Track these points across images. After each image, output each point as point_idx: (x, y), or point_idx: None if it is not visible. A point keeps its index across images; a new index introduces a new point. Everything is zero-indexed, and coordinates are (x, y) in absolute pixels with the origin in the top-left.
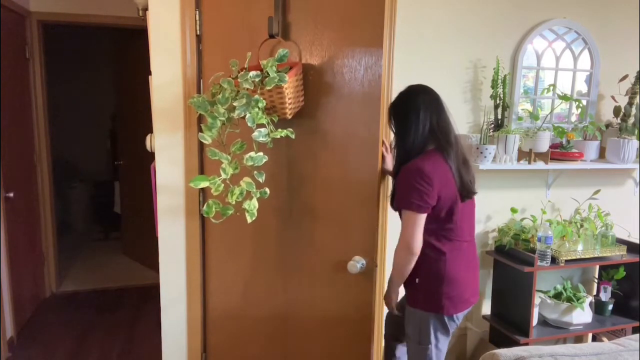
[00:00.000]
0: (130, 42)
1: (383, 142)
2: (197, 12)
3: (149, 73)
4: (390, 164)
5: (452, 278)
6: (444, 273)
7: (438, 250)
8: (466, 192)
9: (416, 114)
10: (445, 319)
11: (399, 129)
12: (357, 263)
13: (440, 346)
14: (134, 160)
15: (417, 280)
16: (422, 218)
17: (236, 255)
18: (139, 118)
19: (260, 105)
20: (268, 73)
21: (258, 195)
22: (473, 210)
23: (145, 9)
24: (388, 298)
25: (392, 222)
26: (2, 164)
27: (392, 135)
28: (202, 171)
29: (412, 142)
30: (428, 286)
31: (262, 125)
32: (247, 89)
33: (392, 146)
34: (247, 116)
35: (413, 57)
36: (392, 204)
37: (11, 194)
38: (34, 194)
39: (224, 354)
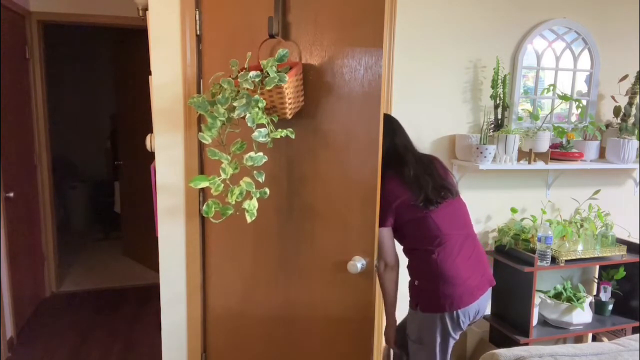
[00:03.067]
0: (130, 42)
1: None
2: (197, 12)
3: (149, 73)
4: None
5: (447, 275)
6: (438, 271)
7: (426, 250)
8: (432, 199)
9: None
10: (447, 317)
11: None
12: (357, 263)
13: (442, 347)
14: (134, 160)
15: (416, 282)
16: (386, 231)
17: (236, 255)
18: (139, 118)
19: (260, 105)
20: (268, 73)
21: (258, 195)
22: (459, 208)
23: (145, 9)
24: (387, 333)
25: None
26: (2, 164)
27: None
28: (202, 171)
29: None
30: (426, 286)
31: (262, 125)
32: (247, 89)
33: None
34: (247, 116)
35: (413, 58)
36: None
37: (11, 194)
38: (34, 194)
39: (224, 354)
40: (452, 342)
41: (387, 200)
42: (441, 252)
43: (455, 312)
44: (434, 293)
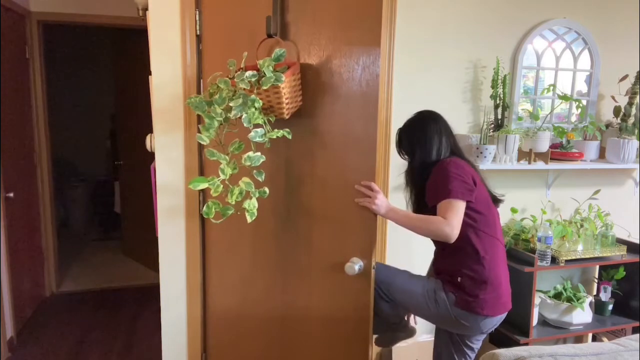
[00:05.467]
0: (130, 42)
1: (371, 186)
2: (197, 12)
3: (149, 73)
4: (383, 206)
5: (492, 278)
6: (485, 274)
7: (477, 249)
8: (497, 197)
9: (439, 134)
10: (476, 319)
11: (424, 146)
12: (354, 265)
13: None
14: (134, 160)
15: (459, 279)
16: (463, 206)
17: (235, 255)
18: (139, 118)
19: (256, 105)
20: (265, 73)
21: (257, 194)
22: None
23: (145, 9)
24: (377, 206)
25: (391, 224)
26: (2, 164)
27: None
28: (202, 171)
29: (438, 155)
30: (468, 286)
31: (259, 126)
32: (244, 89)
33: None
34: (243, 116)
35: (413, 57)
36: (417, 206)
37: (11, 194)
38: (34, 194)
39: (224, 354)
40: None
41: (470, 181)
42: (492, 254)
43: (486, 317)
44: (474, 292)
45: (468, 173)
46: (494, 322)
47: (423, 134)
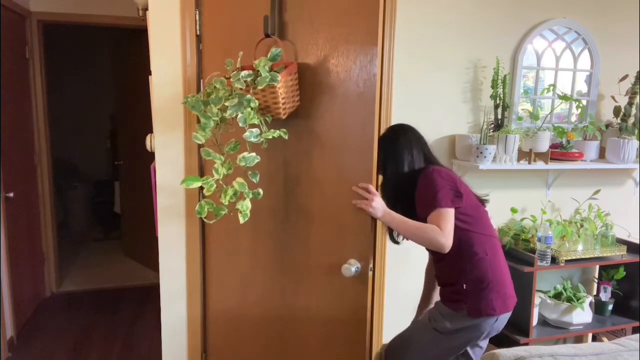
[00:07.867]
0: (130, 42)
1: (368, 188)
2: (197, 12)
3: (149, 73)
4: (380, 209)
5: (496, 278)
6: (488, 274)
7: (476, 251)
8: (480, 198)
9: (409, 147)
10: (489, 321)
11: (395, 161)
12: (351, 267)
13: (462, 348)
14: (134, 160)
15: (464, 286)
16: (453, 213)
17: (235, 255)
18: (139, 118)
19: (252, 105)
20: (261, 72)
21: (251, 195)
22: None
23: (145, 9)
24: (374, 208)
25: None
26: (2, 164)
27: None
28: (201, 171)
29: (410, 168)
30: (476, 288)
31: (255, 126)
32: (240, 88)
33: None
34: (238, 116)
35: (413, 57)
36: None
37: (11, 194)
38: (34, 194)
39: (224, 354)
40: (470, 351)
41: (456, 186)
42: (491, 253)
43: (497, 317)
44: (483, 295)
45: (453, 179)
46: (506, 318)
47: (393, 149)
